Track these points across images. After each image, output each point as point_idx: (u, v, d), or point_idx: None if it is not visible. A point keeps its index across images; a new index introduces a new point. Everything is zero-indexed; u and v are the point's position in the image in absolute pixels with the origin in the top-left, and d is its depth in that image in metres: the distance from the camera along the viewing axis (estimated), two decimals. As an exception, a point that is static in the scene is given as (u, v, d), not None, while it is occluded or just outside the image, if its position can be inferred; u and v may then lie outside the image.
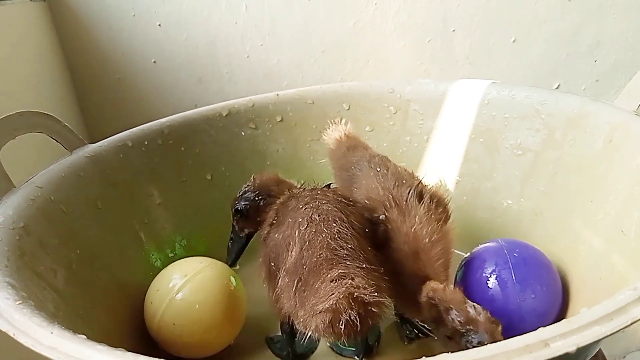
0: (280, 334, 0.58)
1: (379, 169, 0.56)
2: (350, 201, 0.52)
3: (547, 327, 0.28)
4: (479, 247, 0.59)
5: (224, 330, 0.58)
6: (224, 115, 0.77)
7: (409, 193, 0.51)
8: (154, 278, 0.61)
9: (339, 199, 0.50)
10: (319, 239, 0.45)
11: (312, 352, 0.59)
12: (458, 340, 0.42)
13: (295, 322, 0.47)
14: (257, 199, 0.57)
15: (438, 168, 0.75)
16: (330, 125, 0.68)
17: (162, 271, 0.61)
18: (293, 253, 0.46)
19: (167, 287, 0.56)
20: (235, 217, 0.59)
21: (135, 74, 1.01)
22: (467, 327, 0.41)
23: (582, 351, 0.27)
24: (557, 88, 0.93)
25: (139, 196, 0.69)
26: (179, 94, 1.02)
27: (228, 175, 0.78)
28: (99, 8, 0.97)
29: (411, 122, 0.77)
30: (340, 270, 0.42)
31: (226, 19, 0.96)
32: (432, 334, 0.59)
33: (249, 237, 0.60)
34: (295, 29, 0.96)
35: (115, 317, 0.57)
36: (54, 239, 0.52)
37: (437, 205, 0.52)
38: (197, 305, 0.55)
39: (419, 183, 0.53)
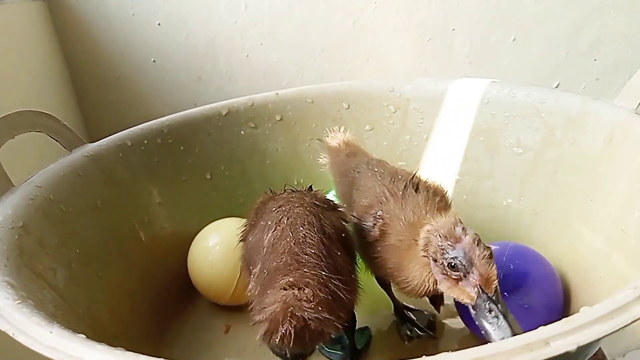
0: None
1: (376, 169, 0.57)
2: (330, 205, 0.51)
3: (547, 325, 0.28)
4: None
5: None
6: (224, 114, 0.77)
7: (404, 185, 0.51)
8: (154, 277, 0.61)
9: (316, 202, 0.49)
10: (283, 243, 0.44)
11: (311, 353, 0.59)
12: (438, 261, 0.43)
13: None
14: None
15: (438, 167, 0.75)
16: (330, 132, 0.68)
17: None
18: (261, 260, 0.45)
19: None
20: None
21: (135, 73, 1.01)
22: (447, 242, 0.42)
23: (582, 350, 0.27)
24: (557, 87, 0.93)
25: (138, 195, 0.69)
26: (178, 93, 1.02)
27: (228, 174, 0.78)
28: (99, 7, 0.97)
29: (411, 121, 0.77)
30: (291, 279, 0.41)
31: (226, 18, 0.96)
32: (431, 333, 0.60)
33: None
34: (295, 27, 0.96)
35: (115, 316, 0.57)
36: (54, 238, 0.52)
37: (435, 194, 0.52)
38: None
39: (413, 176, 0.53)
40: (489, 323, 0.40)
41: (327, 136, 0.69)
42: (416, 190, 0.51)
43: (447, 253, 0.42)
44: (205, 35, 0.98)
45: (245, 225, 0.54)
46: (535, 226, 0.65)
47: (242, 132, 0.78)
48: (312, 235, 0.45)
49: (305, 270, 0.42)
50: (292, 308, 0.39)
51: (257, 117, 0.79)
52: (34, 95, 0.89)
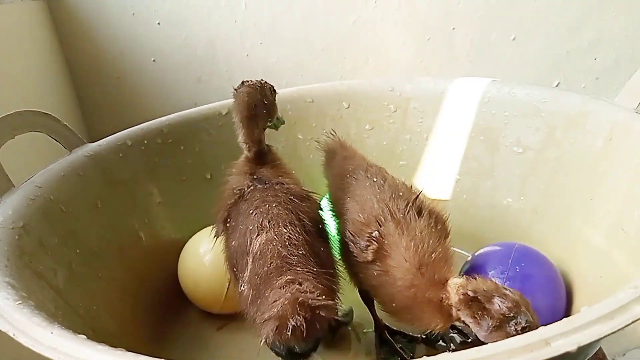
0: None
1: (375, 179, 0.53)
2: (304, 197, 0.52)
3: (548, 325, 0.28)
4: (483, 250, 0.58)
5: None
6: (224, 114, 0.77)
7: (406, 206, 0.48)
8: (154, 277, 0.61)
9: (291, 197, 0.50)
10: (270, 247, 0.45)
11: (314, 351, 0.59)
12: (505, 327, 0.40)
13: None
14: None
15: (438, 166, 0.75)
16: (327, 134, 0.66)
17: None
18: (249, 263, 0.46)
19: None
20: None
21: (135, 73, 1.01)
22: (515, 310, 0.40)
23: (583, 350, 0.27)
24: (557, 86, 0.93)
25: (138, 195, 0.69)
26: (178, 93, 1.02)
27: (228, 174, 0.78)
28: (99, 7, 0.97)
29: (411, 121, 0.77)
30: (288, 277, 0.42)
31: (225, 18, 0.96)
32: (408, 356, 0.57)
33: None
34: (294, 27, 0.96)
35: (116, 316, 0.57)
36: (54, 239, 0.52)
37: (437, 221, 0.49)
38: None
39: (416, 197, 0.50)
40: None
41: (324, 138, 0.66)
42: (419, 213, 0.48)
43: (521, 322, 0.40)
44: (205, 35, 0.98)
45: (217, 226, 0.54)
46: (535, 225, 0.65)
47: (242, 132, 0.78)
48: (296, 236, 0.46)
49: (298, 269, 0.43)
50: (301, 298, 0.39)
51: (257, 117, 0.78)
52: (34, 95, 0.89)
